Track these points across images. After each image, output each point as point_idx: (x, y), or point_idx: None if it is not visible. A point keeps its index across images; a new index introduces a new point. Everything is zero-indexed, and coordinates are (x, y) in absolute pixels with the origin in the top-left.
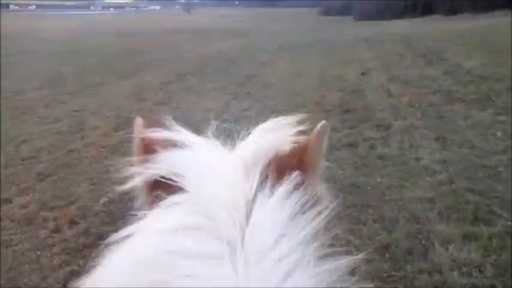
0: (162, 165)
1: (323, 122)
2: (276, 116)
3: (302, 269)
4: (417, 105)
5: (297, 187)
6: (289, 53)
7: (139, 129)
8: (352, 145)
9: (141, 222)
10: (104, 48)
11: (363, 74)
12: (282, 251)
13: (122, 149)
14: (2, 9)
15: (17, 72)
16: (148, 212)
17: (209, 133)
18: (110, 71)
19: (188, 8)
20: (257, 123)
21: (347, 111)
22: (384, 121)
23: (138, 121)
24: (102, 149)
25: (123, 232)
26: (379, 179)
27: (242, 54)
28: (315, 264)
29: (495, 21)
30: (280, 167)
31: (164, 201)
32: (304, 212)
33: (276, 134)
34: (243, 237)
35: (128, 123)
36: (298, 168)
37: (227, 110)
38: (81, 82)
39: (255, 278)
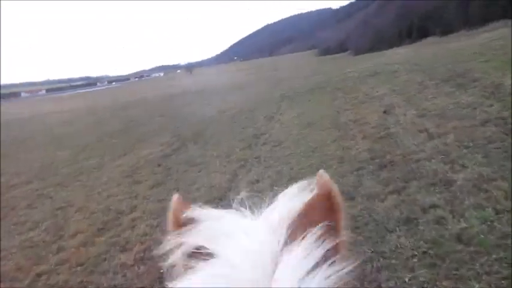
0: (196, 236)
1: (320, 171)
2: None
3: None
4: (470, 143)
5: (319, 239)
6: (294, 102)
7: (175, 206)
8: (409, 221)
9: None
10: (103, 124)
11: (385, 112)
12: None
13: (102, 265)
14: (13, 98)
15: (11, 165)
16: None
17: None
18: (107, 149)
19: (189, 69)
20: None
21: (383, 166)
22: (439, 174)
23: (175, 198)
24: (77, 268)
25: None
26: None
27: (244, 110)
28: None
29: (500, 32)
30: (304, 224)
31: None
32: (325, 263)
33: (300, 197)
34: (270, 282)
35: (116, 220)
36: (320, 221)
37: (235, 184)
38: (73, 168)
39: None
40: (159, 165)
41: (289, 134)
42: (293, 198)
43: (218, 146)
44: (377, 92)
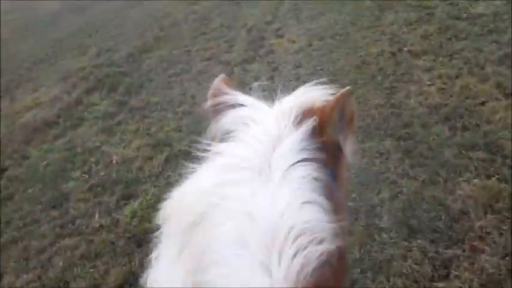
0: (225, 122)
1: (347, 88)
2: None
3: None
4: None
5: (312, 132)
6: None
7: (216, 86)
8: None
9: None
10: None
11: None
12: (298, 174)
13: None
14: None
15: None
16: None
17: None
18: None
19: None
20: None
21: None
22: None
23: (219, 78)
24: None
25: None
26: None
27: None
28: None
29: None
30: (308, 118)
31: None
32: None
33: (314, 93)
34: (270, 164)
35: None
36: (322, 125)
37: None
38: None
39: (280, 192)
40: None
41: None
42: (307, 93)
43: None
44: None
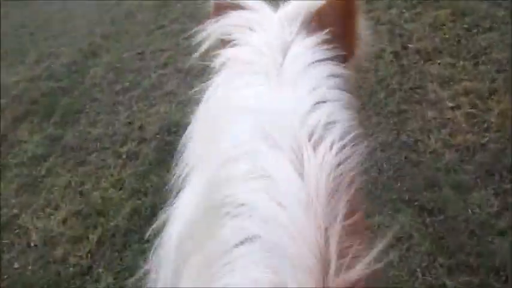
0: (226, 25)
1: None
2: None
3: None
4: None
5: (326, 41)
6: None
7: None
8: None
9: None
10: None
11: None
12: (310, 77)
13: None
14: None
15: None
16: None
17: None
18: None
19: None
20: None
21: None
22: None
23: None
24: None
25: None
26: None
27: None
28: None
29: None
30: (322, 20)
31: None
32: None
33: None
34: (280, 67)
35: None
36: (339, 19)
37: None
38: None
39: (287, 87)
40: None
41: None
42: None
43: None
44: None
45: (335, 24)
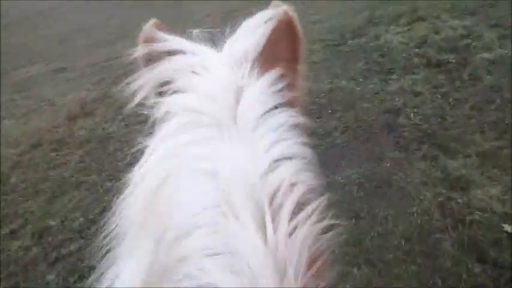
0: (164, 71)
1: (284, 7)
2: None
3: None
4: None
5: (279, 78)
6: None
7: (147, 35)
8: None
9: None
10: None
11: None
12: (268, 129)
13: None
14: None
15: None
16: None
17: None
18: None
19: None
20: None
21: None
22: None
23: (150, 24)
24: None
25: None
26: None
27: None
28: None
29: None
30: (268, 58)
31: (170, 104)
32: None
33: (261, 28)
34: (235, 117)
35: None
36: (284, 56)
37: None
38: None
39: (244, 142)
40: None
41: None
42: (256, 29)
43: None
44: None
45: (285, 52)
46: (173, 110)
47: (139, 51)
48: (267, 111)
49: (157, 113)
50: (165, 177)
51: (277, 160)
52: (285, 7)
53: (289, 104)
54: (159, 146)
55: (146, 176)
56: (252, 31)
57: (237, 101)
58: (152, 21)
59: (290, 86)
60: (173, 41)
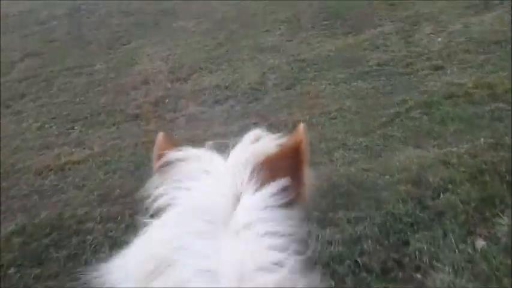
0: (170, 176)
1: (301, 124)
2: None
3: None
4: None
5: (282, 189)
6: None
7: (159, 145)
8: None
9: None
10: None
11: None
12: (257, 232)
13: None
14: None
15: None
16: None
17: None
18: None
19: None
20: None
21: None
22: None
23: (160, 136)
24: None
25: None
26: None
27: None
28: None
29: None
30: (271, 168)
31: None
32: (282, 210)
33: (263, 140)
34: (233, 217)
35: None
36: (288, 168)
37: None
38: None
39: (238, 248)
40: None
41: None
42: (263, 144)
43: None
44: None
45: (285, 172)
46: (173, 201)
47: (154, 160)
48: (261, 219)
49: (160, 202)
50: (162, 262)
51: (273, 264)
52: (301, 132)
53: (289, 204)
54: (154, 234)
55: (144, 256)
56: (258, 144)
57: (234, 206)
58: (161, 134)
59: (291, 193)
60: (183, 150)
